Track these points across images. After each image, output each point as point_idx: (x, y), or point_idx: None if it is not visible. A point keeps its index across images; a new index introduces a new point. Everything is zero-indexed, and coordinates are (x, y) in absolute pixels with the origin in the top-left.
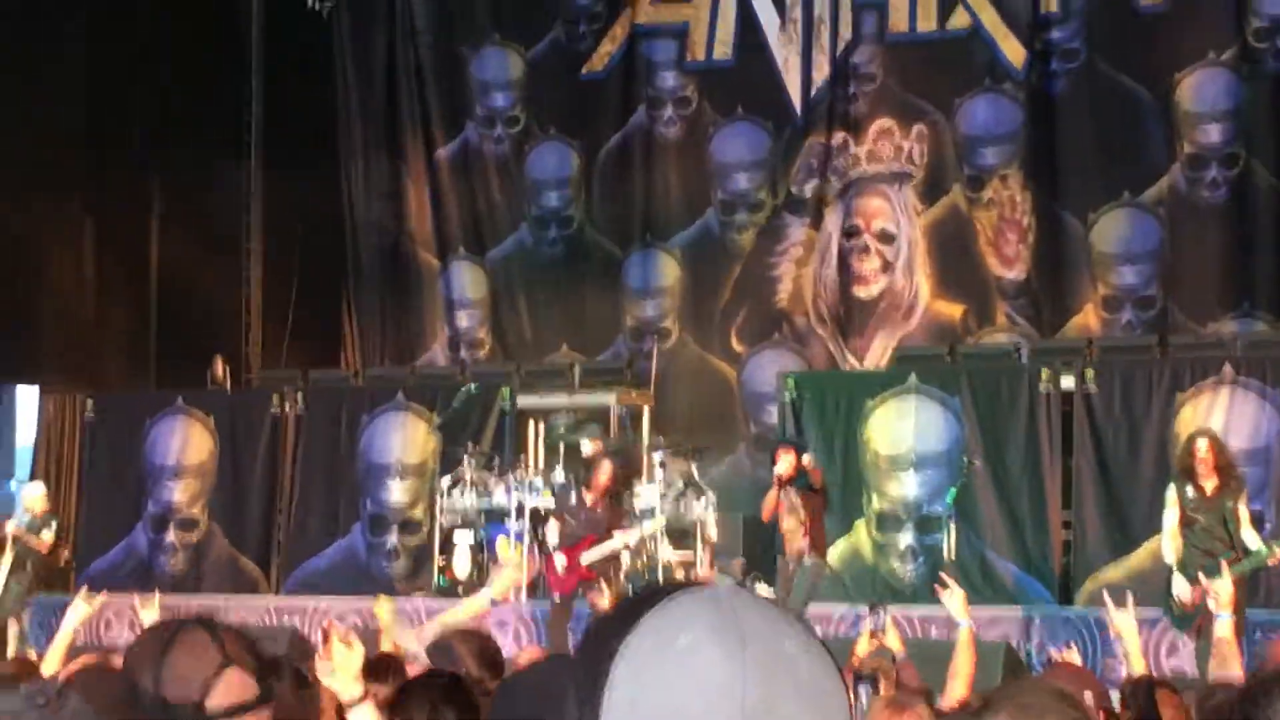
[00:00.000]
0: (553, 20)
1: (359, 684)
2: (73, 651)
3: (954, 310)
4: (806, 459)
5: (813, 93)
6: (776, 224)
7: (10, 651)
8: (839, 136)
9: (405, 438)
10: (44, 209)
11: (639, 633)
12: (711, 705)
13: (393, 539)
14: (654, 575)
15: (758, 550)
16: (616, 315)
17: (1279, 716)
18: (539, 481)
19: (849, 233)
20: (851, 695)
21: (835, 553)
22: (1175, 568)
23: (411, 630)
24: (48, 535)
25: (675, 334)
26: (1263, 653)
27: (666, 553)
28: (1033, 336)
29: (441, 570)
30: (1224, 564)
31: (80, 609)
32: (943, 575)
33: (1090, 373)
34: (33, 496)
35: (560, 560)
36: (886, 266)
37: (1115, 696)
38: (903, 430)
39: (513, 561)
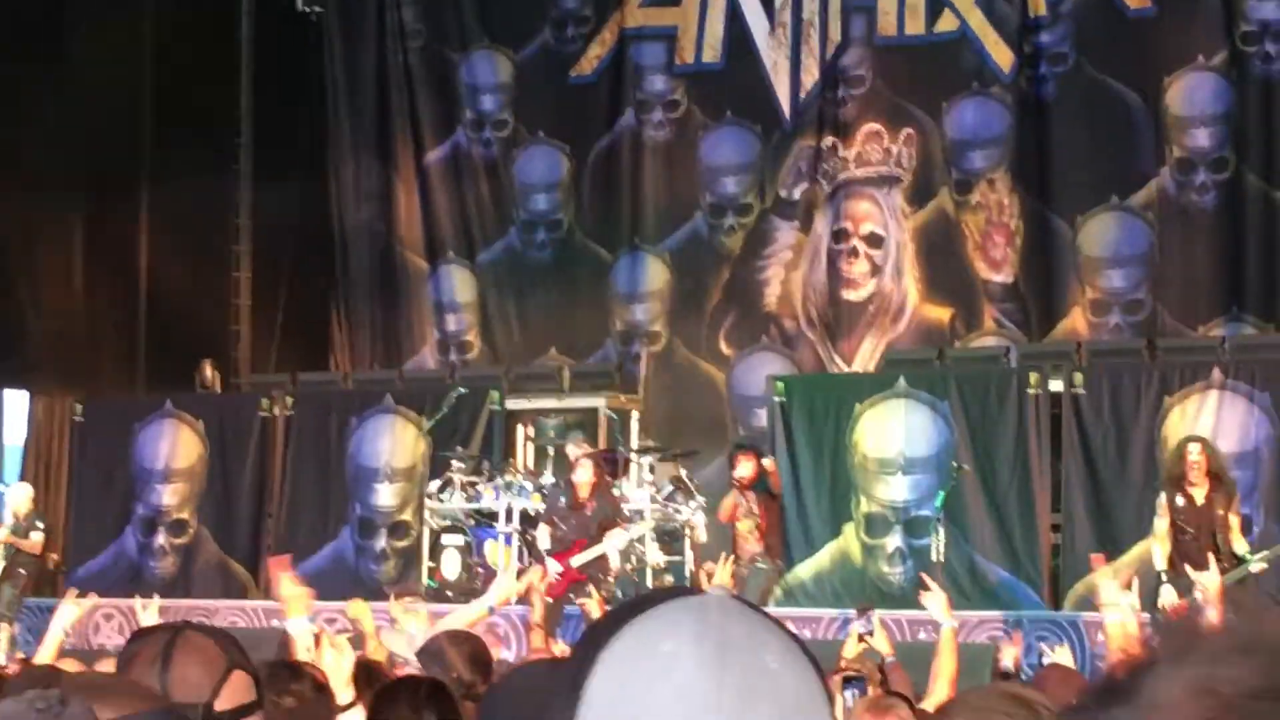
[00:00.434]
0: (541, 24)
1: (349, 689)
2: (62, 654)
3: (942, 314)
4: (768, 462)
5: (801, 96)
6: (765, 227)
7: (1, 657)
8: (828, 140)
9: (394, 441)
10: (33, 213)
11: (622, 639)
12: (688, 714)
13: (382, 542)
14: (642, 578)
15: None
16: (605, 318)
17: None
18: (528, 484)
19: (837, 236)
20: (840, 697)
21: (825, 555)
22: (1163, 577)
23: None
24: (37, 536)
25: (664, 337)
26: None
27: (655, 556)
28: (1021, 340)
29: (431, 574)
30: (1212, 558)
31: (69, 611)
32: (924, 576)
33: (1079, 376)
34: (19, 499)
35: (553, 565)
36: (875, 270)
37: None
38: (891, 433)
39: (512, 570)
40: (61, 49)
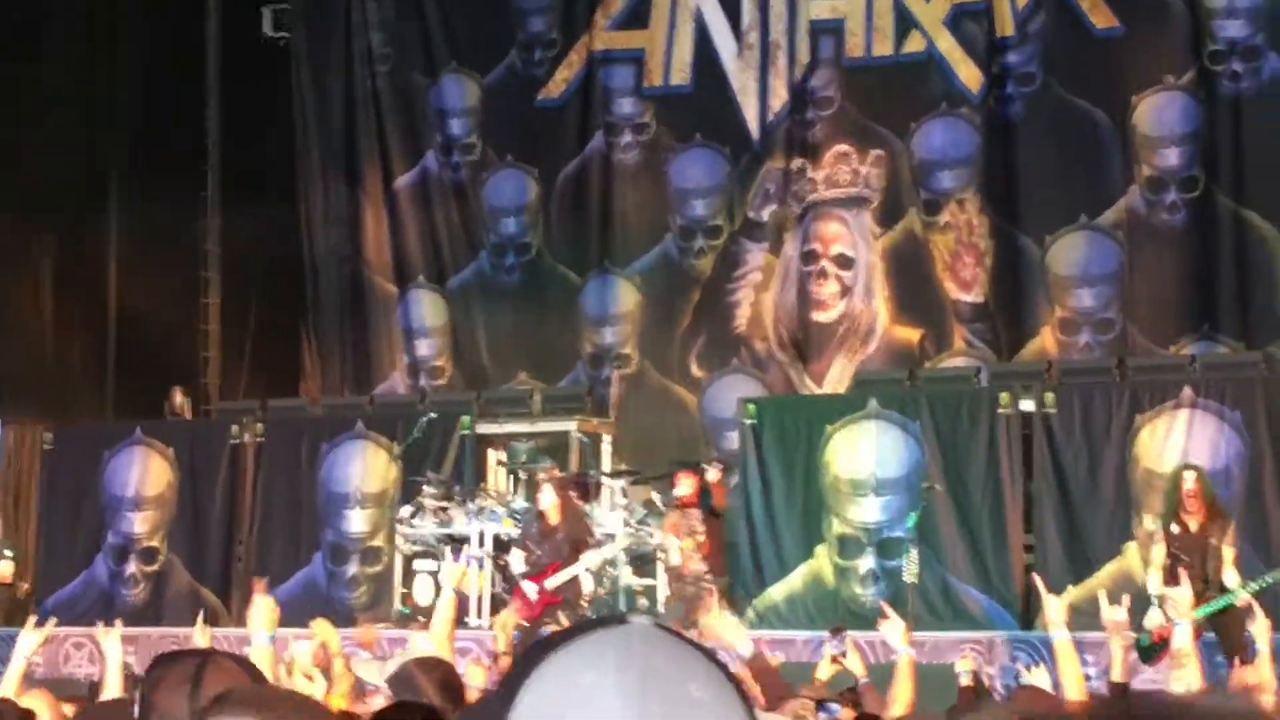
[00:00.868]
0: (508, 47)
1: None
2: (31, 682)
3: (912, 334)
4: (713, 475)
5: (769, 118)
6: (735, 250)
7: None
8: (796, 161)
9: (365, 466)
10: (1, 240)
11: (544, 670)
12: None
13: (353, 568)
14: (616, 601)
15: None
16: (576, 342)
17: None
18: (500, 509)
19: (807, 257)
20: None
21: (797, 577)
22: (1155, 601)
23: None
24: (5, 565)
25: (635, 360)
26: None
27: (628, 579)
28: (991, 360)
29: (403, 599)
30: (1181, 571)
31: (30, 638)
32: (883, 605)
33: (1049, 396)
34: None
35: (530, 588)
36: (844, 291)
37: None
38: (863, 454)
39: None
40: (30, 76)
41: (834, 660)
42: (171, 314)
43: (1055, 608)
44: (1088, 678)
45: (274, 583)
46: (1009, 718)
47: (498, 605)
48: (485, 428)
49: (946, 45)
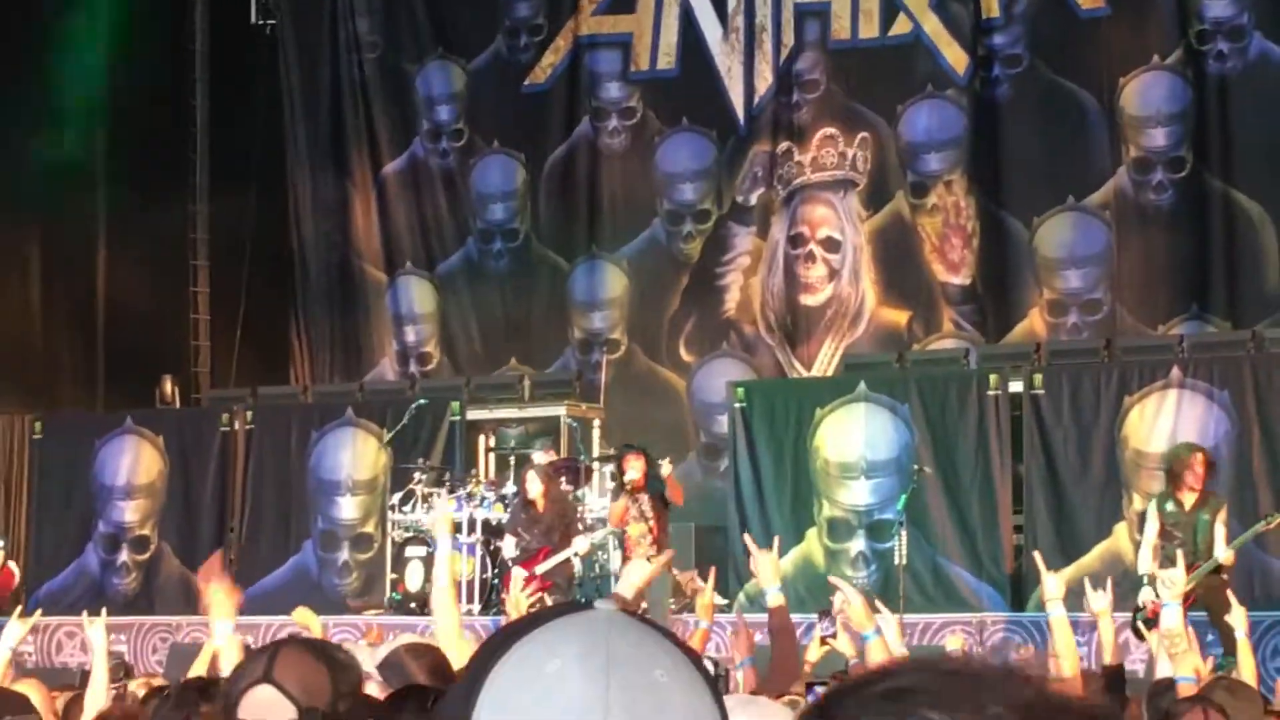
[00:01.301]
0: (494, 33)
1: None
2: (22, 672)
3: (900, 317)
4: (666, 469)
5: (756, 101)
6: (723, 233)
7: None
8: (783, 144)
9: (355, 453)
10: None
11: (509, 659)
12: None
13: (344, 555)
14: (606, 586)
15: (709, 559)
16: (564, 327)
17: None
18: (490, 495)
19: (794, 241)
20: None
21: (787, 561)
22: (1146, 580)
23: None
24: None
25: (624, 345)
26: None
27: (617, 564)
28: (979, 342)
29: (394, 585)
30: (1179, 554)
31: (15, 629)
32: (832, 580)
33: (1038, 377)
34: None
35: (519, 574)
36: (832, 274)
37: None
38: (852, 437)
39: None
40: (14, 63)
41: (823, 642)
42: (161, 302)
43: (1054, 584)
44: (1081, 658)
45: (265, 570)
46: None
47: (487, 591)
48: (475, 414)
49: (933, 27)
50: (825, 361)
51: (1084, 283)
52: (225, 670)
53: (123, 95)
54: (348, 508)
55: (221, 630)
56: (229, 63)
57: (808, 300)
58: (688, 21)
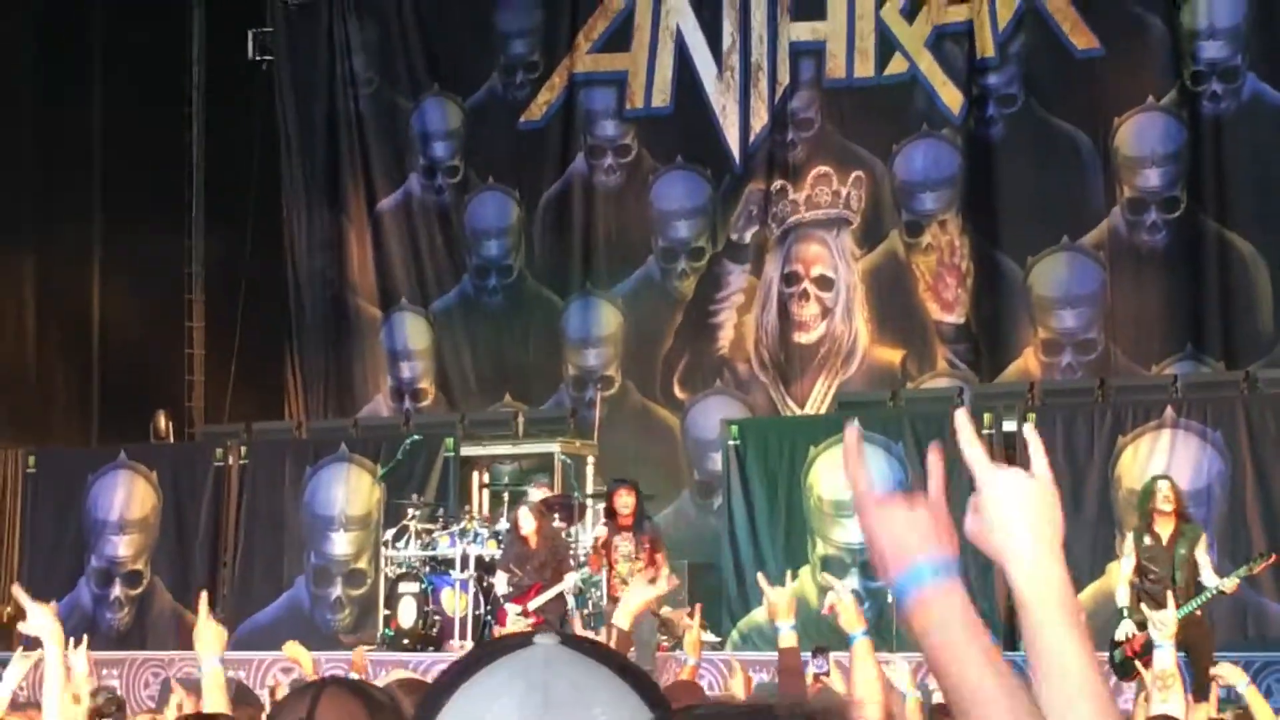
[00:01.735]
0: (490, 70)
1: None
2: (14, 708)
3: (893, 355)
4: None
5: (751, 139)
6: (717, 271)
7: None
8: (777, 183)
9: (349, 489)
10: None
11: (451, 707)
12: None
13: (337, 591)
14: (599, 622)
15: (701, 597)
16: (558, 364)
17: None
18: (484, 531)
19: (788, 279)
20: None
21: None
22: (1125, 613)
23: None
24: None
25: (618, 382)
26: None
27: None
28: (973, 381)
29: (387, 622)
30: (1169, 595)
31: (20, 666)
32: (825, 578)
33: (1032, 416)
34: None
35: (513, 609)
36: (826, 312)
37: None
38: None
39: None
40: (10, 99)
41: (817, 679)
42: (155, 337)
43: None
44: None
45: (258, 605)
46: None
47: (480, 627)
48: (469, 450)
49: (928, 66)
50: (819, 399)
51: (1078, 322)
52: (210, 707)
53: (119, 130)
54: (341, 543)
55: (210, 665)
56: (225, 98)
57: (801, 338)
58: (682, 60)
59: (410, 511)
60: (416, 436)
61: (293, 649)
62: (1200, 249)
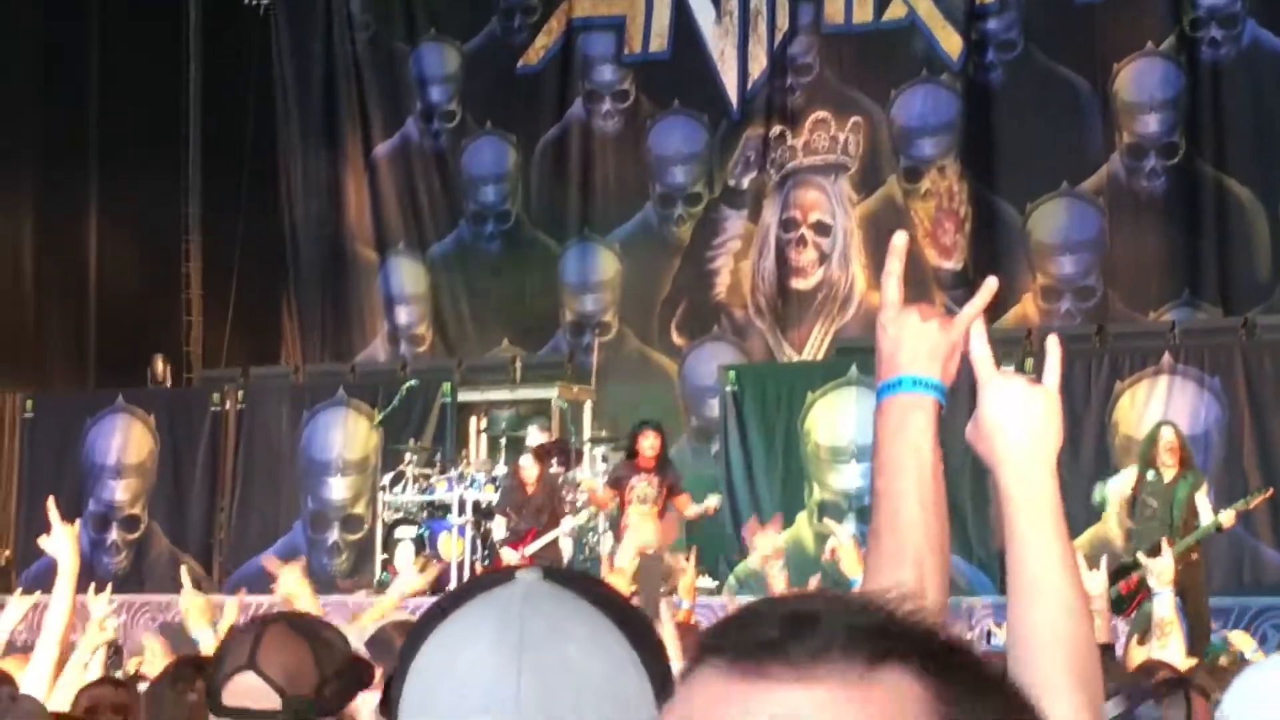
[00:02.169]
0: (488, 14)
1: None
2: (9, 650)
3: None
4: (714, 500)
5: (749, 85)
6: (714, 217)
7: None
8: (775, 128)
9: (346, 434)
10: None
11: (429, 646)
12: None
13: (334, 535)
14: (595, 567)
15: (699, 542)
16: (556, 309)
17: None
18: (480, 476)
19: (786, 225)
20: None
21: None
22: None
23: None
24: None
25: (615, 328)
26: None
27: (607, 545)
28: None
29: (384, 566)
30: (1164, 542)
31: (15, 609)
32: (827, 523)
33: (1030, 362)
34: None
35: (509, 554)
36: (823, 258)
37: None
38: (844, 421)
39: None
40: (10, 44)
41: None
42: (152, 281)
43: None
44: None
45: (254, 550)
46: None
47: (475, 572)
48: (466, 395)
49: (927, 11)
50: (816, 345)
51: (1077, 269)
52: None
53: (115, 73)
54: (338, 488)
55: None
56: (222, 42)
57: (798, 284)
58: (681, 4)
59: (407, 457)
60: (414, 382)
61: (288, 575)
62: (1199, 195)
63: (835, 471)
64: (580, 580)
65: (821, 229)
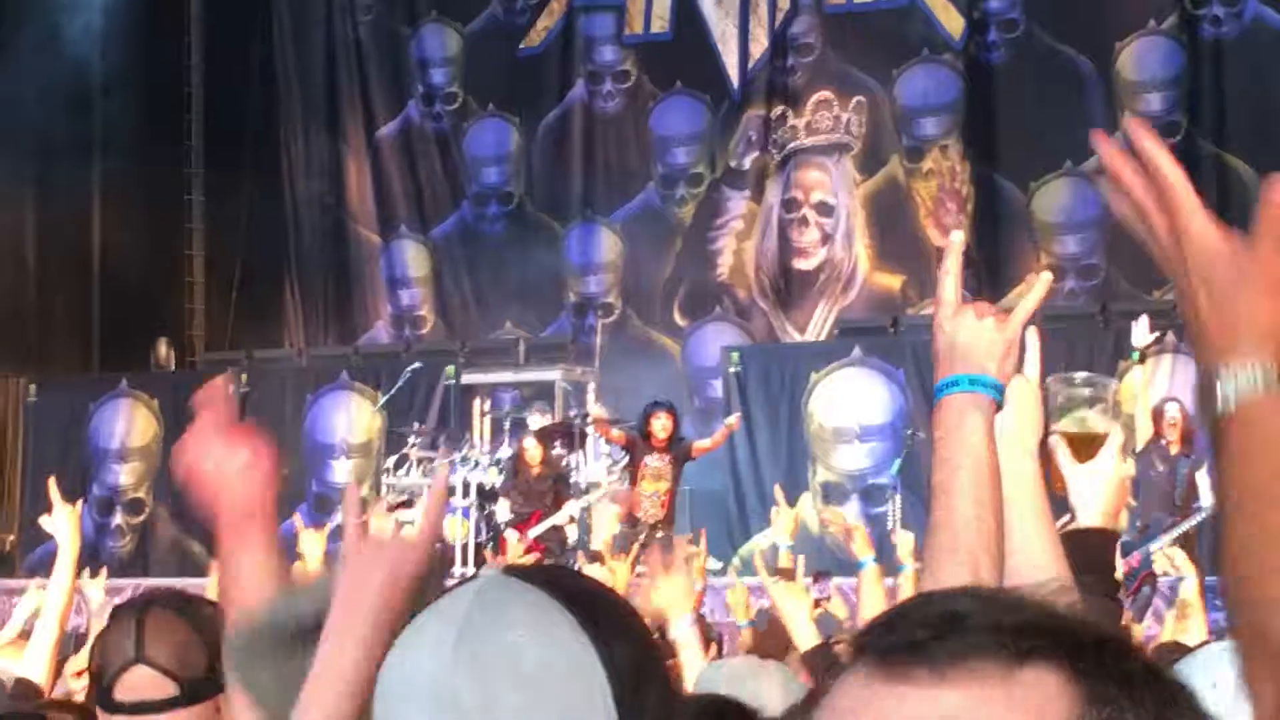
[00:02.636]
0: None
1: None
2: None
3: (893, 281)
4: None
5: (750, 65)
6: (716, 197)
7: None
8: (777, 109)
9: (350, 417)
10: None
11: (398, 643)
12: (435, 715)
13: (338, 519)
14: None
15: (704, 523)
16: (559, 291)
17: None
18: (485, 458)
19: (788, 205)
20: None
21: (780, 525)
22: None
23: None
24: None
25: (618, 309)
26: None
27: (612, 527)
28: None
29: None
30: (1163, 536)
31: (31, 599)
32: (833, 511)
33: (1033, 327)
34: None
35: (513, 536)
36: (825, 239)
37: None
38: (846, 402)
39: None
40: (8, 29)
41: (817, 605)
42: (156, 265)
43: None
44: None
45: None
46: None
47: (479, 553)
48: (470, 377)
49: None
50: (819, 326)
51: (1081, 248)
52: None
53: (117, 57)
54: (342, 471)
55: None
56: (224, 25)
57: (801, 264)
58: None
59: (411, 440)
60: (417, 364)
61: (309, 539)
62: (1200, 173)
63: (838, 452)
64: (547, 573)
65: (824, 209)
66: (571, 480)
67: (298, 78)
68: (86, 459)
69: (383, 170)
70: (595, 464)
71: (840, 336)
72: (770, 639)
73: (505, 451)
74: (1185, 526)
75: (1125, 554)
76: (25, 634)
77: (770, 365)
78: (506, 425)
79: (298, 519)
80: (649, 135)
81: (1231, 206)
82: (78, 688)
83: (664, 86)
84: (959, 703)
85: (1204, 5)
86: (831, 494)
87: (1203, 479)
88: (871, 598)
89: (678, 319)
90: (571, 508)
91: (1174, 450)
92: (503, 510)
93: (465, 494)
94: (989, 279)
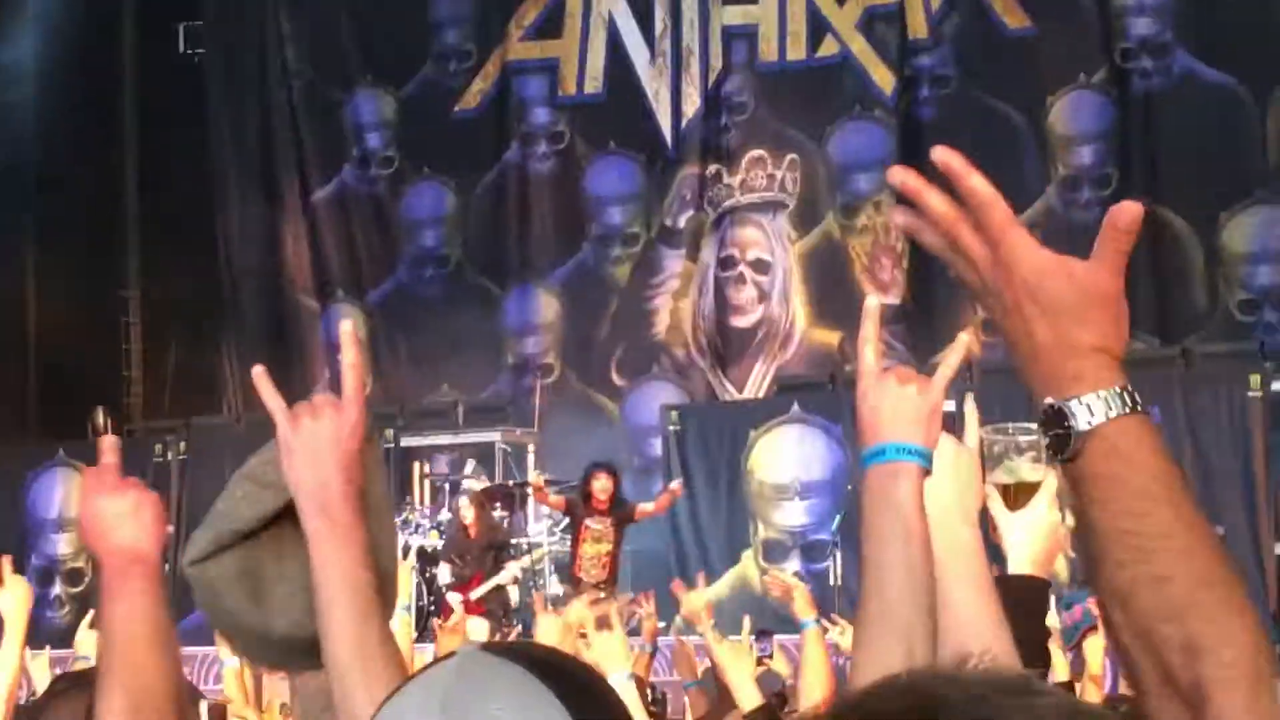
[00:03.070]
0: (423, 59)
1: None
2: None
3: (831, 337)
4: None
5: (684, 124)
6: (651, 257)
7: None
8: (712, 167)
9: None
10: None
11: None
12: None
13: None
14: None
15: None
16: (497, 352)
17: None
18: (425, 521)
19: (724, 263)
20: None
21: (724, 583)
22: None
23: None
24: None
25: (557, 370)
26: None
27: (554, 589)
28: (911, 362)
29: None
30: None
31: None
32: (775, 574)
33: (970, 395)
34: None
35: (455, 598)
36: (762, 296)
37: None
38: (786, 458)
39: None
40: None
41: (760, 663)
42: (93, 334)
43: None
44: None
45: None
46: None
47: (423, 618)
48: (409, 440)
49: (860, 48)
50: (757, 383)
51: None
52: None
53: (52, 127)
54: None
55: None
56: (158, 94)
57: (738, 322)
58: (615, 46)
59: None
60: None
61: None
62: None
63: (779, 509)
64: (521, 648)
65: (760, 266)
66: (512, 541)
67: (233, 143)
68: (24, 529)
69: (319, 236)
70: (536, 525)
71: (779, 393)
72: (719, 700)
73: (445, 514)
74: None
75: (1067, 607)
76: None
77: (709, 424)
78: (446, 488)
79: None
80: (584, 195)
81: (1165, 257)
82: None
83: (598, 146)
84: None
85: (1133, 58)
86: (773, 551)
87: None
88: (814, 659)
89: (616, 379)
90: (514, 569)
91: None
92: (444, 574)
93: (405, 557)
94: (926, 334)
